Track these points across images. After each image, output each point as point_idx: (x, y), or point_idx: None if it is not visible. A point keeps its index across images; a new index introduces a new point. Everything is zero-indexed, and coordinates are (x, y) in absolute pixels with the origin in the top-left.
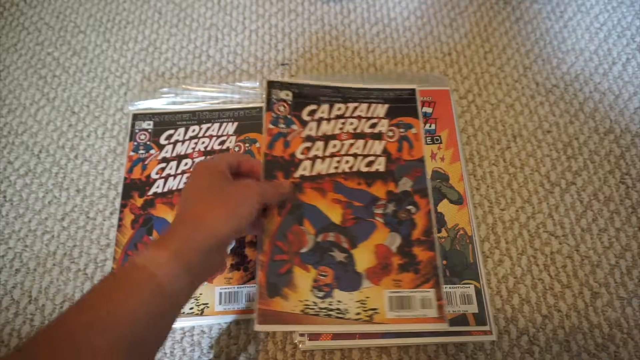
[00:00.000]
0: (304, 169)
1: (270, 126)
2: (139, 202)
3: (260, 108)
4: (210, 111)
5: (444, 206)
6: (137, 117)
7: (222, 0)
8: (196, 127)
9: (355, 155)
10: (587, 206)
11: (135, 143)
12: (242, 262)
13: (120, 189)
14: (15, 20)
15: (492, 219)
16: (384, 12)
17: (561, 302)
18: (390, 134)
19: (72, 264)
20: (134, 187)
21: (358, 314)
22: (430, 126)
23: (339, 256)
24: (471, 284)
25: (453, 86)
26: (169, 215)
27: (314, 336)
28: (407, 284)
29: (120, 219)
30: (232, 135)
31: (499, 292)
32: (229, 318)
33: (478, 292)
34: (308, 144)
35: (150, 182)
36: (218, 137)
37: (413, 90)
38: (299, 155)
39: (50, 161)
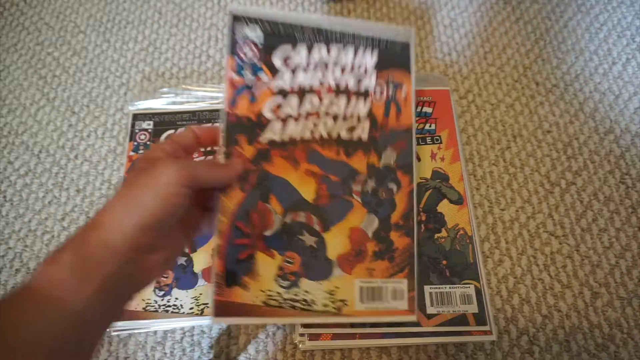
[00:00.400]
0: (273, 132)
1: (234, 76)
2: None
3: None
4: (210, 111)
5: (444, 206)
6: (137, 117)
7: (222, 0)
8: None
9: (335, 117)
10: (587, 206)
11: (136, 143)
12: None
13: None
14: (15, 20)
15: (492, 219)
16: (384, 12)
17: (561, 302)
18: (378, 92)
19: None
20: None
21: (325, 305)
22: (430, 126)
23: (309, 240)
24: (471, 284)
25: (453, 86)
26: None
27: (314, 336)
28: (380, 272)
29: None
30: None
31: (499, 292)
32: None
33: (478, 292)
34: (279, 100)
35: None
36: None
37: (407, 44)
38: (267, 114)
39: (50, 161)
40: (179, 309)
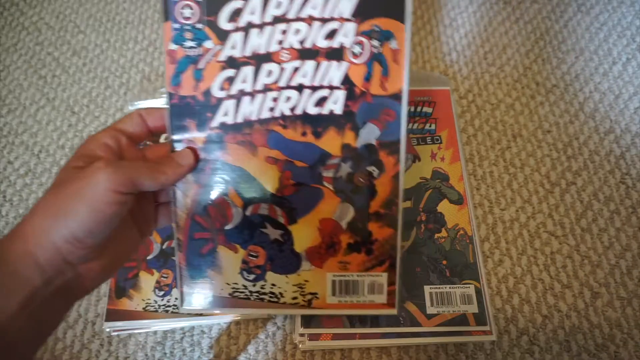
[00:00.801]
0: (225, 114)
1: (173, 46)
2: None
3: None
4: None
5: (444, 206)
6: None
7: None
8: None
9: (300, 88)
10: (587, 206)
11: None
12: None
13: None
14: (15, 20)
15: (492, 219)
16: None
17: (561, 302)
18: (357, 49)
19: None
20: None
21: (295, 298)
22: (430, 126)
23: (274, 233)
24: (471, 284)
25: (453, 86)
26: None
27: (314, 336)
28: (356, 266)
29: None
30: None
31: (499, 292)
32: (229, 318)
33: (478, 292)
34: (230, 72)
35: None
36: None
37: None
38: (216, 93)
39: (50, 161)
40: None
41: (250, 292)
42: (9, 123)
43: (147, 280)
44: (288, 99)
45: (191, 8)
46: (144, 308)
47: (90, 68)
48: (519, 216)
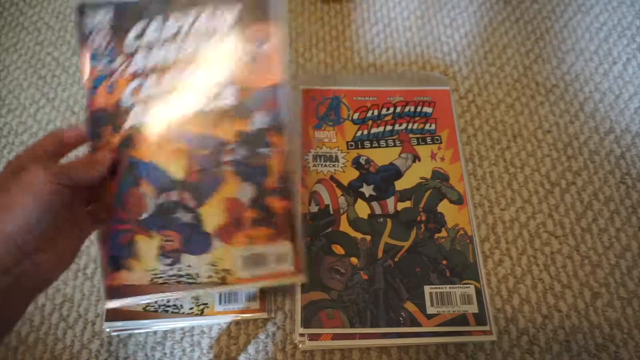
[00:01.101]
0: (136, 117)
1: (89, 67)
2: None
3: None
4: None
5: (444, 206)
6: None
7: None
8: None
9: (198, 89)
10: (588, 206)
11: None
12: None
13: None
14: (15, 20)
15: (492, 219)
16: (384, 12)
17: (561, 302)
18: (241, 52)
19: (72, 264)
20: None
21: (210, 277)
22: (430, 126)
23: (185, 217)
24: (471, 284)
25: (453, 86)
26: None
27: (314, 336)
28: (261, 239)
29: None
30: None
31: (499, 292)
32: (229, 318)
33: (478, 292)
34: (137, 83)
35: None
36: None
37: None
38: (127, 101)
39: None
40: (179, 309)
41: (169, 275)
42: (8, 123)
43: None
44: (189, 99)
45: (103, 36)
46: (143, 308)
47: None
48: (519, 216)
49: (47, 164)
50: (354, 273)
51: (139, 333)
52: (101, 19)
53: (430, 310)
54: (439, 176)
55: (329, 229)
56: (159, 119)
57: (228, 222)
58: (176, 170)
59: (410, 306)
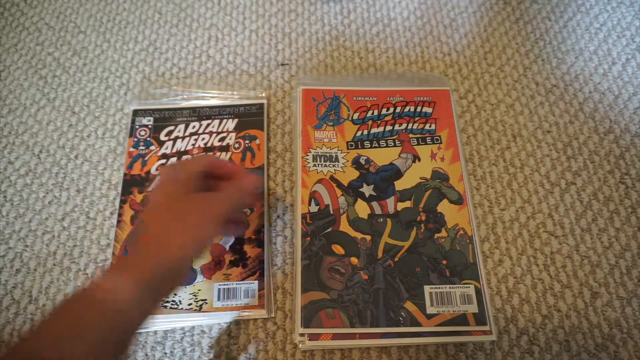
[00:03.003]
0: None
1: (131, 149)
2: (139, 198)
3: (261, 105)
4: (210, 107)
5: (444, 206)
6: (137, 113)
7: (222, 0)
8: (196, 124)
9: None
10: (587, 206)
11: (136, 139)
12: (241, 259)
13: (120, 188)
14: (15, 20)
15: (492, 219)
16: (384, 12)
17: (561, 302)
18: (237, 145)
19: (73, 264)
20: (134, 183)
21: (190, 304)
22: (430, 126)
23: None
24: (471, 284)
25: (453, 86)
26: None
27: (314, 336)
28: (235, 277)
29: (119, 215)
30: (232, 131)
31: (499, 292)
32: (228, 314)
33: (478, 292)
34: (163, 161)
35: (150, 178)
36: (218, 133)
37: (262, 104)
38: (153, 172)
39: (51, 161)
40: (178, 305)
41: None
42: (9, 123)
43: None
44: None
45: (145, 131)
46: None
47: (91, 68)
48: (518, 216)
49: (221, 198)
50: (354, 273)
51: (139, 333)
52: (146, 121)
53: (430, 310)
54: (439, 176)
55: (329, 229)
56: None
57: (211, 261)
58: None
59: (410, 306)
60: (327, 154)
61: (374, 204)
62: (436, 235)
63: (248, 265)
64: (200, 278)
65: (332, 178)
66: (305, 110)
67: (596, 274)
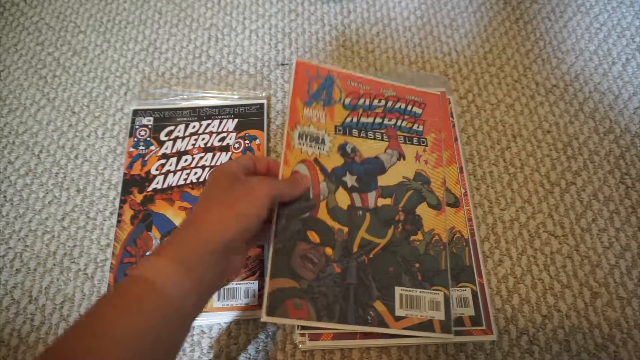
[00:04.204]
0: (157, 183)
1: (131, 149)
2: (139, 198)
3: (261, 105)
4: (210, 107)
5: (423, 209)
6: (137, 113)
7: (222, 0)
8: (196, 124)
9: (203, 167)
10: (587, 206)
11: (136, 139)
12: None
13: (120, 188)
14: (15, 20)
15: (492, 219)
16: (384, 12)
17: (561, 302)
18: (237, 145)
19: (73, 264)
20: (133, 183)
21: None
22: (418, 127)
23: None
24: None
25: (453, 86)
26: (168, 211)
27: (314, 336)
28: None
29: (119, 215)
30: (232, 132)
31: (499, 292)
32: (228, 314)
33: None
34: (162, 161)
35: (150, 178)
36: (218, 133)
37: (262, 104)
38: (153, 172)
39: (51, 161)
40: None
41: None
42: (9, 123)
43: None
44: (196, 173)
45: (145, 131)
46: None
47: (91, 68)
48: (518, 216)
49: (270, 180)
50: (327, 264)
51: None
52: (146, 121)
53: (398, 312)
54: (421, 178)
55: (307, 214)
56: (173, 185)
57: None
58: (179, 220)
59: (379, 306)
60: (314, 134)
61: (355, 195)
62: (412, 237)
63: (248, 265)
64: None
65: (316, 161)
66: (297, 83)
67: (596, 274)
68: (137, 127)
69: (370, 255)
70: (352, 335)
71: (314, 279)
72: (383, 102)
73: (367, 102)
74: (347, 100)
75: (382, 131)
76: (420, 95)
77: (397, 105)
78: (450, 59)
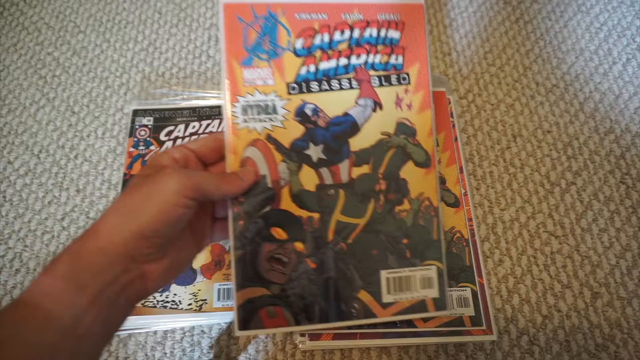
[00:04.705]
0: None
1: (131, 149)
2: None
3: None
4: (210, 107)
5: (408, 170)
6: (137, 112)
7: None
8: (196, 124)
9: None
10: (587, 206)
11: (136, 139)
12: None
13: (120, 188)
14: (15, 20)
15: (492, 219)
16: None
17: (561, 302)
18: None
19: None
20: None
21: (190, 304)
22: (396, 59)
23: None
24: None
25: (453, 86)
26: None
27: (314, 336)
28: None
29: None
30: None
31: (499, 292)
32: (228, 314)
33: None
34: None
35: None
36: None
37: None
38: None
39: (50, 161)
40: (178, 305)
41: (158, 301)
42: (9, 123)
43: None
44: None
45: (145, 131)
46: (142, 304)
47: (90, 68)
48: (519, 216)
49: (184, 172)
50: (299, 261)
51: (139, 333)
52: (146, 121)
53: (386, 298)
54: (405, 130)
55: (267, 208)
56: None
57: (211, 262)
58: None
59: (364, 295)
60: (262, 103)
61: (324, 170)
62: (397, 208)
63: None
64: (200, 278)
65: (269, 138)
66: (229, 37)
67: (596, 274)
68: (137, 127)
69: (349, 241)
70: (352, 335)
71: (286, 281)
72: (347, 33)
73: (326, 39)
74: (299, 43)
75: (350, 76)
76: (397, 10)
77: (367, 34)
78: (450, 59)
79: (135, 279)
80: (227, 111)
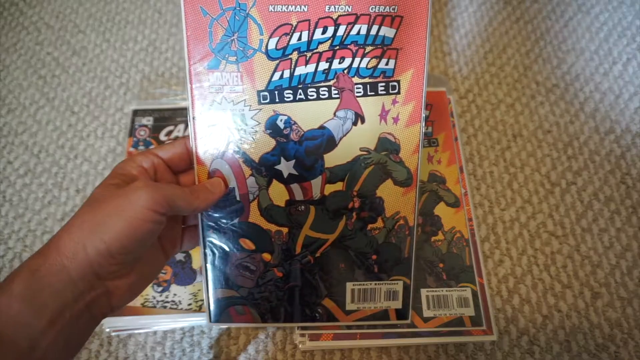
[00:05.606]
0: None
1: (131, 149)
2: None
3: None
4: None
5: (386, 189)
6: (136, 112)
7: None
8: None
9: None
10: (588, 206)
11: (135, 139)
12: None
13: None
14: (14, 20)
15: (492, 219)
16: None
17: (561, 302)
18: None
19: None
20: None
21: (190, 304)
22: (387, 63)
23: (178, 255)
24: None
25: (453, 86)
26: None
27: (314, 336)
28: None
29: None
30: None
31: (499, 292)
32: None
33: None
34: None
35: None
36: None
37: None
38: None
39: (50, 161)
40: (177, 305)
41: (158, 301)
42: (8, 123)
43: None
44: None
45: (145, 131)
46: (142, 304)
47: (90, 68)
48: (519, 216)
49: (154, 187)
50: (267, 270)
51: (139, 333)
52: (146, 121)
53: (349, 306)
54: (387, 146)
55: (236, 220)
56: None
57: None
58: None
59: (328, 302)
60: (229, 113)
61: (295, 186)
62: (369, 226)
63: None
64: (200, 278)
65: (236, 151)
66: (192, 35)
67: (597, 274)
68: (136, 127)
69: (317, 254)
70: (352, 336)
71: (253, 286)
72: (331, 30)
73: (305, 38)
74: (272, 43)
75: (329, 83)
76: (395, 0)
77: (354, 31)
78: (450, 59)
79: (99, 297)
80: (192, 120)
